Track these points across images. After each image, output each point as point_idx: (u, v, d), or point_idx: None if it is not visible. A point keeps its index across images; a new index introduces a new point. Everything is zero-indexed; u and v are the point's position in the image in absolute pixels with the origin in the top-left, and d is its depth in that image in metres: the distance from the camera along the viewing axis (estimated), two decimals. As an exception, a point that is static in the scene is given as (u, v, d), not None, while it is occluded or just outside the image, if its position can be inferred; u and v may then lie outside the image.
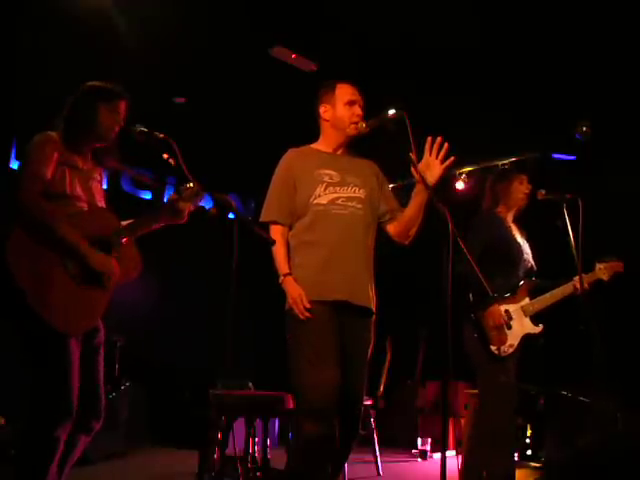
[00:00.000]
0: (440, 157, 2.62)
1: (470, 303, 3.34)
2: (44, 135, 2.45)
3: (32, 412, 2.32)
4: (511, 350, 3.31)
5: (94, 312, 2.47)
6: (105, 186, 2.71)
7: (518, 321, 3.38)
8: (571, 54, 4.69)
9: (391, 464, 5.24)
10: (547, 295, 3.44)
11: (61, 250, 2.34)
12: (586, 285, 3.39)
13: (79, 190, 2.49)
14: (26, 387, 2.33)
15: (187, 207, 2.66)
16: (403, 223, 2.81)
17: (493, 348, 3.28)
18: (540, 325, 3.42)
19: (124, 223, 2.61)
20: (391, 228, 2.85)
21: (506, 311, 3.36)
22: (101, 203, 2.62)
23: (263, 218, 2.81)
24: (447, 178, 6.30)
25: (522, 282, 3.44)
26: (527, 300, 3.43)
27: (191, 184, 2.61)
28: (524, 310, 3.41)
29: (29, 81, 4.88)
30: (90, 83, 2.57)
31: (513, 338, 3.33)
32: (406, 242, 2.85)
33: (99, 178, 2.65)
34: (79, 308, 2.39)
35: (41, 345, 2.32)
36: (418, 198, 2.72)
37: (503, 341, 3.29)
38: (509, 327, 3.34)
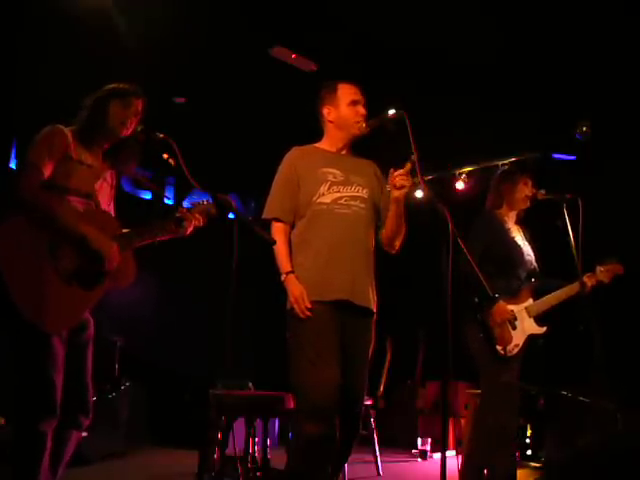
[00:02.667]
0: (398, 185, 2.62)
1: (475, 304, 3.34)
2: (52, 127, 2.43)
3: (16, 409, 2.32)
4: (516, 350, 3.32)
5: (77, 310, 2.43)
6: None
7: (522, 321, 3.39)
8: (571, 54, 4.69)
9: (391, 464, 5.24)
10: (550, 296, 3.45)
11: (55, 238, 2.32)
12: (589, 286, 3.40)
13: (84, 187, 2.47)
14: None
15: (195, 221, 2.67)
16: (386, 233, 2.82)
17: (499, 348, 3.28)
18: (544, 326, 3.43)
19: (125, 231, 2.59)
20: (381, 234, 2.85)
21: (511, 311, 3.36)
22: (108, 206, 2.60)
23: (265, 215, 2.80)
24: (447, 178, 6.31)
25: (524, 285, 3.45)
26: (531, 301, 3.44)
27: (204, 201, 2.62)
28: (528, 311, 3.41)
29: (29, 81, 4.88)
30: (108, 85, 2.57)
31: (518, 338, 3.34)
32: (392, 251, 2.86)
33: (110, 180, 2.62)
34: (62, 306, 2.35)
35: (23, 342, 2.31)
36: (391, 210, 2.74)
37: (508, 341, 3.30)
38: (514, 327, 3.35)
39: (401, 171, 2.61)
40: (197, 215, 2.69)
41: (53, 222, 2.31)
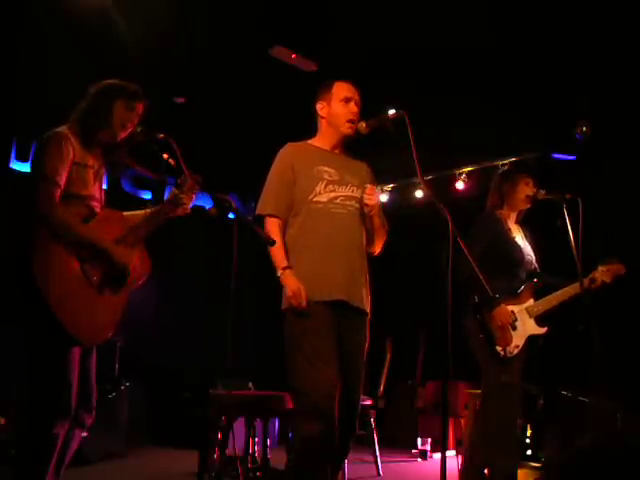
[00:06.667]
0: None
1: (475, 304, 3.34)
2: (57, 134, 2.42)
3: (31, 410, 2.33)
4: (517, 351, 3.32)
5: (115, 317, 2.51)
6: (105, 185, 2.72)
7: (523, 322, 3.39)
8: (571, 54, 4.69)
9: (391, 464, 5.23)
10: (551, 297, 3.44)
11: (83, 253, 2.35)
12: (594, 285, 3.40)
13: (91, 190, 2.49)
14: (25, 387, 2.34)
15: (189, 199, 2.66)
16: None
17: (499, 349, 3.29)
18: (545, 326, 3.43)
19: (127, 214, 2.61)
20: None
21: (511, 312, 3.36)
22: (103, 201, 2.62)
23: (259, 211, 2.79)
24: (447, 178, 6.31)
25: (525, 285, 3.44)
26: (531, 301, 3.44)
27: (186, 178, 2.61)
28: (529, 311, 3.41)
29: (29, 81, 4.88)
30: (111, 80, 2.56)
31: (518, 339, 3.34)
32: (372, 254, 2.89)
33: (102, 174, 2.63)
34: (103, 317, 2.43)
35: (46, 347, 2.32)
36: (367, 221, 2.79)
37: (509, 342, 3.30)
38: (514, 328, 3.35)
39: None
40: (187, 193, 2.66)
41: (76, 240, 2.34)
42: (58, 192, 2.33)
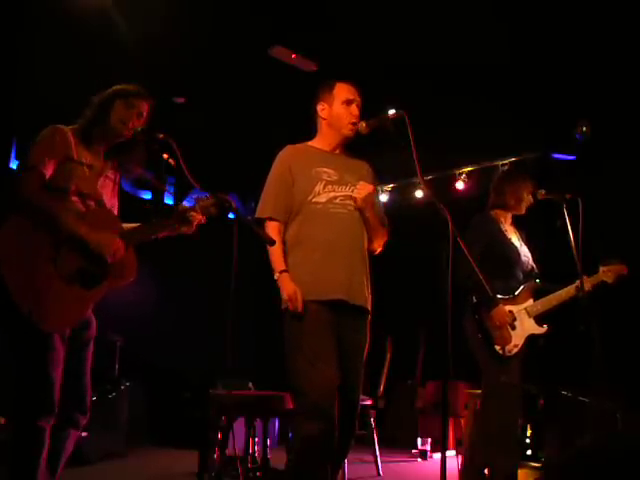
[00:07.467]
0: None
1: (473, 304, 3.34)
2: (53, 127, 2.44)
3: (15, 406, 2.32)
4: (516, 350, 3.32)
5: (78, 310, 2.42)
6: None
7: (522, 322, 3.39)
8: (571, 54, 4.69)
9: (391, 464, 5.23)
10: (551, 296, 3.44)
11: (57, 240, 2.32)
12: (590, 287, 3.39)
13: (85, 187, 2.47)
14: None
15: (197, 218, 2.65)
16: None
17: (497, 348, 3.29)
18: (544, 326, 3.42)
19: (127, 226, 2.59)
20: None
21: (510, 312, 3.36)
22: (111, 202, 2.60)
23: (259, 214, 2.80)
24: (447, 178, 6.32)
25: (524, 284, 3.45)
26: (531, 301, 3.44)
27: (208, 197, 2.61)
28: (528, 311, 3.41)
29: (29, 81, 4.88)
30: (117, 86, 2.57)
31: (518, 338, 3.34)
32: (372, 253, 2.89)
33: (113, 177, 2.61)
34: (63, 306, 2.35)
35: (23, 340, 2.31)
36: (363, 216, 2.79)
37: (508, 341, 3.30)
38: (513, 327, 3.35)
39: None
40: (200, 212, 2.67)
41: (54, 225, 2.32)
42: (39, 178, 2.33)
